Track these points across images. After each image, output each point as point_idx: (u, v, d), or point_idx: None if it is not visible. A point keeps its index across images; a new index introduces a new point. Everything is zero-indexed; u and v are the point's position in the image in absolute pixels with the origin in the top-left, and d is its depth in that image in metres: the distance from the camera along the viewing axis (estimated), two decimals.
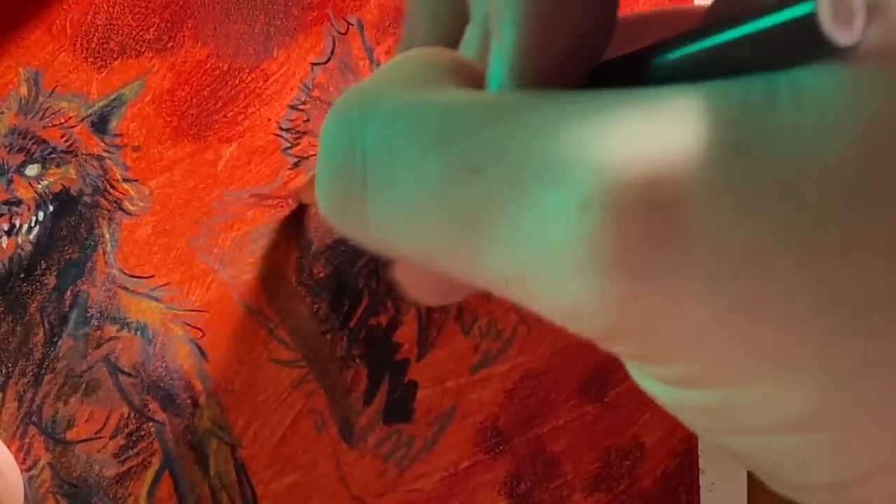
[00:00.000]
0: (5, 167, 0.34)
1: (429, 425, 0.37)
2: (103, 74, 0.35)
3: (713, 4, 0.16)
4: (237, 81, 0.36)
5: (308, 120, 0.36)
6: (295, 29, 0.36)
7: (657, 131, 0.12)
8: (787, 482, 0.14)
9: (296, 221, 0.36)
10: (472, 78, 0.16)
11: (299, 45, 0.36)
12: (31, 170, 0.34)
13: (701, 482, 0.40)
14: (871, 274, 0.11)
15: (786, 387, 0.12)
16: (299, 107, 0.36)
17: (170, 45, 0.35)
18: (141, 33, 0.35)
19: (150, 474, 0.34)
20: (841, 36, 0.11)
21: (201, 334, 0.35)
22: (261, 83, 0.36)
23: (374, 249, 0.16)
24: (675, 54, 0.13)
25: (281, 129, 0.36)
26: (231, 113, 0.36)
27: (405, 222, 0.14)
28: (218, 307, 0.35)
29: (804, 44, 0.11)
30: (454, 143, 0.14)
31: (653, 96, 0.12)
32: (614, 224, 0.12)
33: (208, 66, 0.36)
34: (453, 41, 0.21)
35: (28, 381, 0.33)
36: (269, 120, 0.36)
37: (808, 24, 0.11)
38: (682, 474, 0.40)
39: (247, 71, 0.36)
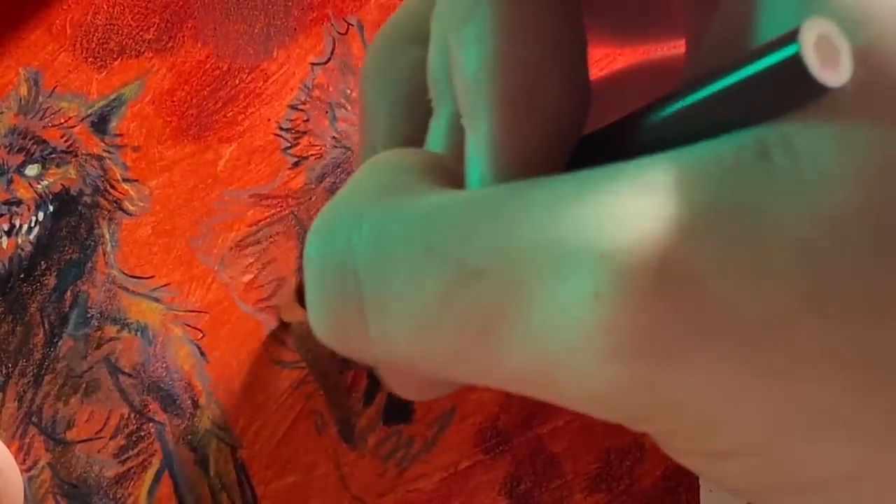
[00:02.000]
0: (5, 167, 0.34)
1: (429, 426, 0.37)
2: (103, 74, 0.35)
3: (687, 62, 0.15)
4: (237, 81, 0.36)
5: (308, 120, 0.36)
6: (295, 29, 0.36)
7: (656, 208, 0.12)
8: None
9: (296, 221, 0.36)
10: (449, 175, 0.16)
11: (299, 46, 0.36)
12: (31, 170, 0.34)
13: (701, 482, 0.40)
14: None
15: (826, 446, 0.12)
16: (299, 107, 0.36)
17: (170, 45, 0.35)
18: (141, 33, 0.35)
19: (150, 475, 0.34)
20: (828, 77, 0.11)
21: (201, 335, 0.35)
22: (261, 83, 0.36)
23: (379, 364, 0.16)
24: (662, 115, 0.13)
25: (281, 128, 0.36)
26: (231, 113, 0.36)
27: (411, 337, 0.14)
28: (218, 308, 0.35)
29: (792, 88, 0.11)
30: (448, 248, 0.13)
31: (643, 170, 0.12)
32: (630, 309, 0.12)
33: (208, 66, 0.36)
34: (415, 139, 0.20)
35: (28, 382, 0.33)
36: (269, 120, 0.36)
37: (795, 66, 0.11)
38: (682, 474, 0.40)
39: (247, 71, 0.36)
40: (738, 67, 0.11)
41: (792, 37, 0.11)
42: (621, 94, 0.20)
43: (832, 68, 0.11)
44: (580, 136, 0.15)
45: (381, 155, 0.17)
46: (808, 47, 0.11)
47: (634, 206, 0.12)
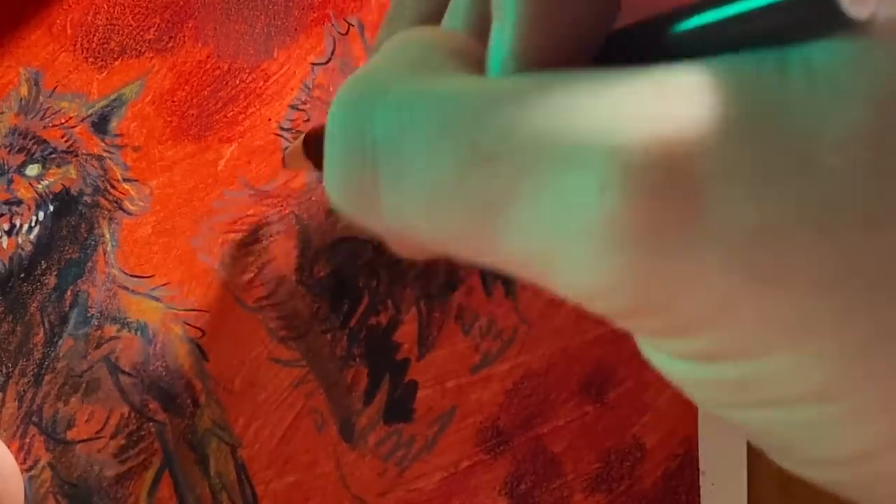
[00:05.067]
0: (6, 167, 0.34)
1: (429, 425, 0.37)
2: (104, 74, 0.35)
3: None
4: (237, 81, 0.36)
5: (308, 120, 0.36)
6: (295, 29, 0.37)
7: (671, 108, 0.12)
8: (800, 458, 0.14)
9: (296, 221, 0.36)
10: (474, 59, 0.16)
11: (300, 46, 0.37)
12: (32, 170, 0.34)
13: (701, 482, 0.40)
14: (890, 240, 0.12)
15: (807, 357, 0.12)
16: (300, 107, 0.36)
17: (170, 45, 0.35)
18: (141, 33, 0.35)
19: (150, 474, 0.34)
20: (855, 9, 0.11)
21: (201, 334, 0.35)
22: (261, 83, 0.36)
23: (386, 235, 0.16)
24: (689, 24, 0.13)
25: (281, 128, 0.36)
26: (231, 113, 0.36)
27: (420, 209, 0.15)
28: (218, 307, 0.35)
29: (818, 16, 0.11)
30: (466, 130, 0.14)
31: (664, 73, 0.12)
32: (633, 203, 0.12)
33: (209, 66, 0.36)
34: (439, 11, 0.21)
35: (28, 381, 0.33)
36: (270, 120, 0.36)
37: None
38: (682, 474, 0.40)
39: (247, 71, 0.36)
40: None
41: None
42: None
43: (860, 1, 0.11)
44: (608, 32, 0.15)
45: (412, 30, 0.17)
46: None
47: (651, 105, 0.12)
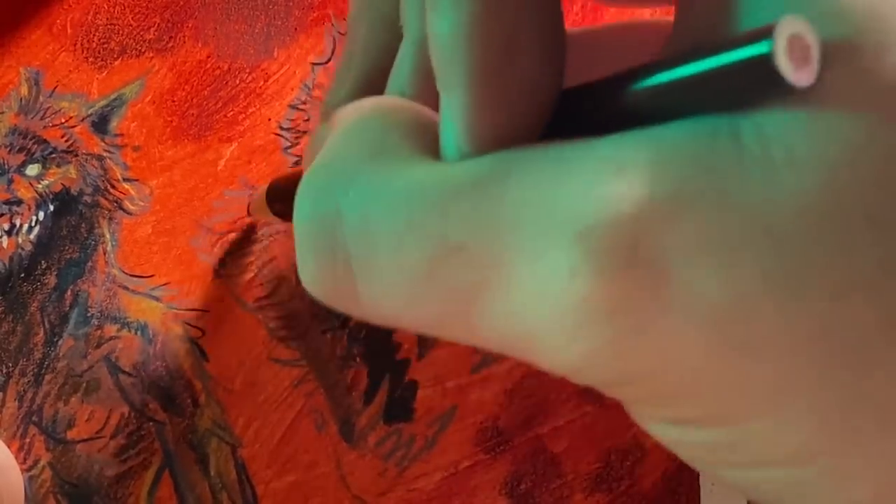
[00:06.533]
0: (6, 167, 0.34)
1: (429, 425, 0.37)
2: (104, 74, 0.35)
3: (674, 31, 0.16)
4: (237, 81, 0.36)
5: (308, 119, 0.36)
6: (295, 29, 0.37)
7: (630, 188, 0.12)
8: None
9: None
10: (429, 132, 0.16)
11: (300, 46, 0.37)
12: (32, 169, 0.34)
13: (701, 482, 0.40)
14: (856, 307, 0.12)
15: (785, 422, 0.13)
16: (300, 106, 0.36)
17: (170, 45, 0.35)
18: (141, 33, 0.35)
19: (150, 474, 0.34)
20: (797, 77, 0.11)
21: (201, 334, 0.35)
22: (261, 83, 0.36)
23: (369, 320, 0.16)
24: (640, 86, 0.13)
25: (281, 128, 0.36)
26: (231, 113, 0.36)
27: (396, 301, 0.15)
28: (218, 306, 0.35)
29: (763, 82, 0.11)
30: (430, 223, 0.14)
31: (619, 149, 0.13)
32: (603, 285, 0.12)
33: (209, 65, 0.36)
34: (389, 57, 0.21)
35: (28, 381, 0.33)
36: (270, 120, 0.36)
37: (765, 64, 0.11)
38: (682, 475, 0.40)
39: (247, 71, 0.36)
40: (712, 54, 0.12)
41: (765, 33, 0.11)
42: (601, 51, 0.20)
43: (803, 67, 0.11)
44: (557, 96, 0.15)
45: (365, 106, 0.17)
46: (780, 47, 0.11)
47: (610, 186, 0.12)
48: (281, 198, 0.31)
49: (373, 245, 0.15)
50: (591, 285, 0.12)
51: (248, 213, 0.35)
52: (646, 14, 0.36)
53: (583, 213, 0.12)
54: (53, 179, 0.34)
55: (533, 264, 0.13)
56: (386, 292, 0.15)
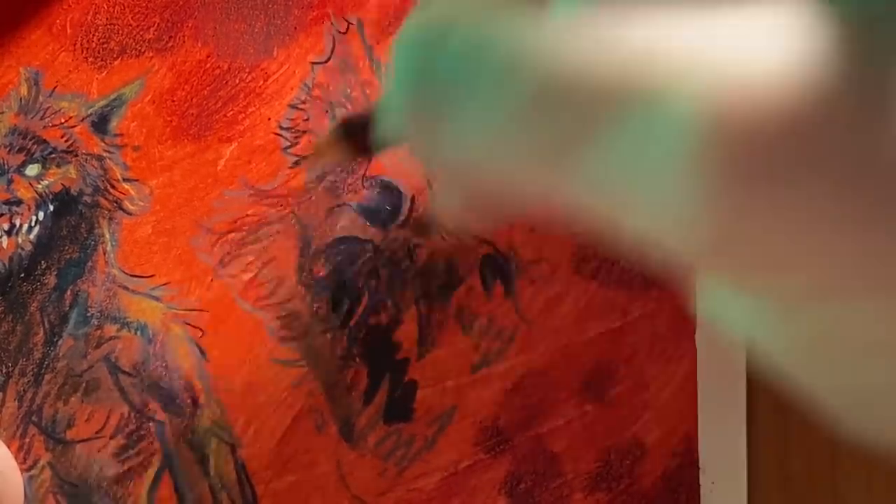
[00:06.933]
0: (6, 167, 0.34)
1: (429, 425, 0.37)
2: (103, 74, 0.35)
3: None
4: (237, 81, 0.36)
5: (308, 119, 0.36)
6: (295, 28, 0.36)
7: (754, 43, 0.12)
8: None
9: (296, 220, 0.36)
10: None
11: (299, 45, 0.36)
12: (32, 170, 0.34)
13: (701, 481, 0.40)
14: None
15: None
16: (299, 106, 0.36)
17: (170, 44, 0.35)
18: (141, 33, 0.35)
19: (150, 474, 0.34)
20: None
21: (201, 333, 0.35)
22: (261, 82, 0.36)
23: (443, 169, 0.16)
24: None
25: (281, 128, 0.36)
26: (231, 112, 0.36)
27: (485, 144, 0.15)
28: (218, 306, 0.35)
29: None
30: (534, 76, 0.13)
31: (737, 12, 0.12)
32: (718, 144, 0.12)
33: (208, 65, 0.36)
34: None
35: (28, 381, 0.33)
36: (270, 119, 0.36)
37: None
38: (682, 474, 0.40)
39: (247, 70, 0.36)
40: None
41: None
42: None
43: None
44: None
45: None
46: None
47: (734, 44, 0.12)
48: (352, 133, 0.31)
49: (471, 87, 0.14)
50: (713, 140, 0.12)
51: (314, 151, 0.35)
52: None
53: (699, 77, 0.12)
54: (53, 179, 0.34)
55: (647, 117, 0.12)
56: (478, 134, 0.14)
